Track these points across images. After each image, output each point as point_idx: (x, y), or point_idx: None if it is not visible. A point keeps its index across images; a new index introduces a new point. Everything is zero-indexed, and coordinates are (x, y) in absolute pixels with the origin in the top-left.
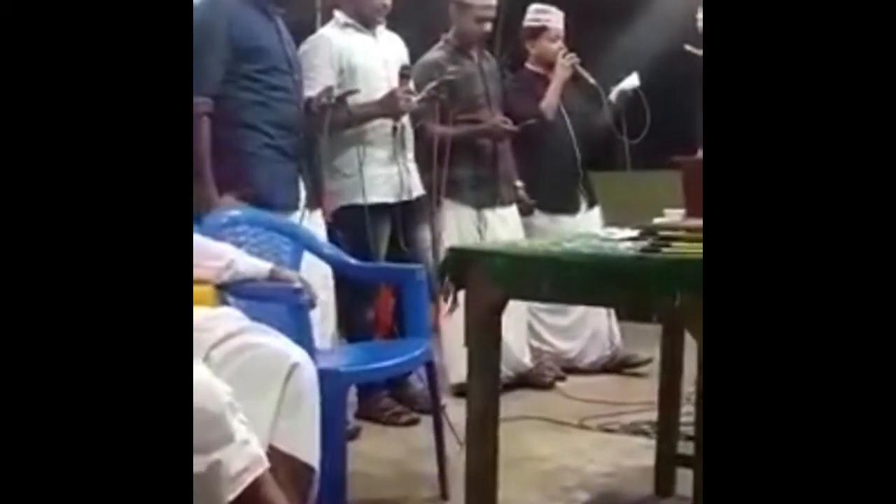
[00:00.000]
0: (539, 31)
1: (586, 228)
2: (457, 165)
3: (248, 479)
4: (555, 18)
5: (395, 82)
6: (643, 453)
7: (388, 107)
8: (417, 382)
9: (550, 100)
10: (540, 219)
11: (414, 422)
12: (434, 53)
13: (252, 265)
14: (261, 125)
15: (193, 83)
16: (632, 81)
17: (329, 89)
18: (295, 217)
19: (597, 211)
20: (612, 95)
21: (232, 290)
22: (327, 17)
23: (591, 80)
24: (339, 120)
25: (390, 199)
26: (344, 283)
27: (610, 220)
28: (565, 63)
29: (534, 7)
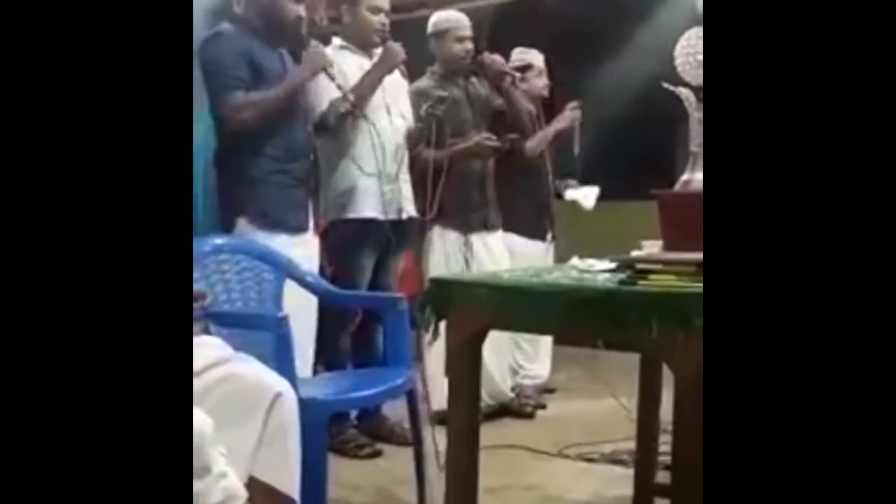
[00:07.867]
0: (525, 69)
1: (547, 259)
2: (445, 189)
3: None
4: (536, 59)
5: (388, 98)
6: (622, 482)
7: (387, 60)
8: (391, 413)
9: (539, 142)
10: (517, 242)
11: (377, 454)
12: (421, 82)
13: None
14: (268, 151)
15: (218, 102)
16: (578, 194)
17: (345, 97)
18: (304, 238)
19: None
20: (565, 192)
21: (215, 318)
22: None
23: (577, 139)
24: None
25: (379, 216)
26: (323, 310)
27: (585, 252)
28: (571, 116)
29: (517, 50)
